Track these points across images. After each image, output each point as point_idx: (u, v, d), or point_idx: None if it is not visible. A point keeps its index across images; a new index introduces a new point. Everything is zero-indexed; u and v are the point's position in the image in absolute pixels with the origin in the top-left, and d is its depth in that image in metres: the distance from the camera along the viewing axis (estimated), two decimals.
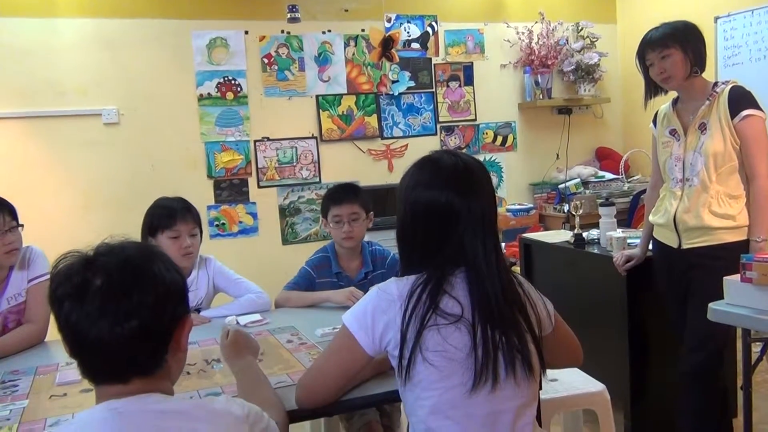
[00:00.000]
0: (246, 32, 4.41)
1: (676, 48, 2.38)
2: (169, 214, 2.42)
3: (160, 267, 1.09)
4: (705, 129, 2.40)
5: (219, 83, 4.35)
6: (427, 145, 4.74)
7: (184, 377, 1.78)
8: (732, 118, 2.35)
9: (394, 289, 1.39)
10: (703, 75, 2.47)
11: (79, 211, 4.07)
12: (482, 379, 1.32)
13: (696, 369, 2.44)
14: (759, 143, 2.35)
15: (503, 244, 4.45)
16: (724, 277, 2.02)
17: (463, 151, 4.95)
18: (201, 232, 2.54)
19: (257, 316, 2.35)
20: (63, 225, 3.95)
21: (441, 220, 1.40)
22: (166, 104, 4.25)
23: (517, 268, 3.93)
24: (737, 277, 1.95)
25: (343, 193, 2.58)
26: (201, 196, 4.22)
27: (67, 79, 4.05)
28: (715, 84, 2.44)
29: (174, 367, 1.16)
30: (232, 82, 4.38)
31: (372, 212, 2.62)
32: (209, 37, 4.32)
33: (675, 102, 2.56)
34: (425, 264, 1.40)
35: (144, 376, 1.09)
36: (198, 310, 2.49)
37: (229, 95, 4.38)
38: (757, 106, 2.36)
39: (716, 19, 4.15)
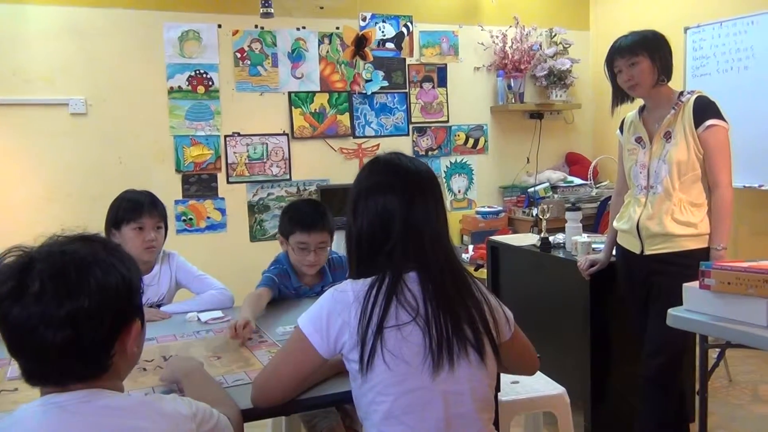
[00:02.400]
0: (219, 26, 4.36)
1: (644, 56, 2.42)
2: (135, 207, 2.40)
3: (99, 274, 1.05)
4: (670, 137, 2.43)
5: (190, 76, 4.30)
6: (399, 146, 4.74)
7: (140, 373, 1.76)
8: (696, 128, 2.38)
9: (350, 291, 1.38)
10: (671, 84, 2.50)
11: (41, 202, 3.98)
12: (441, 360, 1.32)
13: (655, 373, 2.47)
14: (722, 153, 2.39)
15: (471, 246, 4.49)
16: (684, 284, 2.04)
17: (435, 152, 4.97)
18: (166, 227, 2.52)
19: (219, 313, 2.32)
20: (24, 216, 3.87)
21: (394, 223, 1.41)
22: (136, 96, 4.18)
23: (484, 271, 3.95)
24: (696, 283, 1.97)
25: (313, 220, 2.33)
26: (169, 190, 4.16)
27: (34, 67, 3.96)
28: (681, 93, 2.48)
29: (123, 366, 1.13)
30: (204, 75, 4.33)
31: (334, 232, 2.45)
32: (181, 29, 4.27)
33: (641, 110, 2.59)
34: (377, 267, 1.40)
35: (84, 382, 1.06)
36: (159, 306, 2.46)
37: (200, 89, 4.33)
38: (720, 117, 2.40)
39: (686, 29, 4.21)
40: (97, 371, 1.07)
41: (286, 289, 2.47)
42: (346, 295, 1.38)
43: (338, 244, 2.68)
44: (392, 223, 1.41)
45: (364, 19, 4.71)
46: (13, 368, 1.80)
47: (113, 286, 1.07)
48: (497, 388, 1.59)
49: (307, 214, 2.35)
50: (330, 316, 1.37)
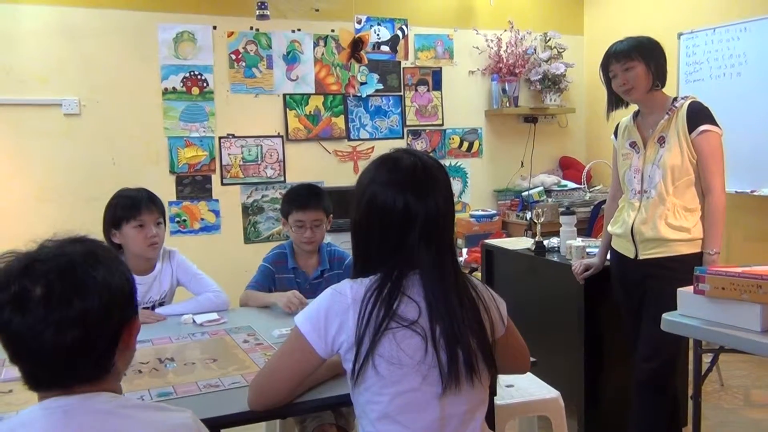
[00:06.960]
0: (214, 27, 4.35)
1: (639, 61, 2.43)
2: (133, 204, 2.39)
3: (103, 272, 1.05)
4: (664, 142, 2.45)
5: (184, 78, 4.29)
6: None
7: (136, 375, 1.75)
8: (690, 133, 2.40)
9: (348, 292, 1.37)
10: (664, 90, 2.52)
11: (33, 203, 3.96)
12: (450, 383, 1.32)
13: (648, 377, 2.48)
14: (715, 158, 2.41)
15: (465, 249, 4.49)
16: (678, 289, 2.05)
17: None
18: (165, 222, 2.51)
19: (214, 315, 2.32)
20: (16, 216, 3.84)
21: (396, 221, 1.38)
22: (129, 97, 4.17)
23: (478, 274, 3.96)
24: (691, 288, 1.98)
25: (308, 199, 2.55)
26: (163, 191, 4.11)
27: (28, 67, 3.94)
28: (675, 99, 2.49)
29: (121, 366, 1.13)
30: (198, 77, 4.32)
31: (332, 214, 2.62)
32: (176, 30, 4.26)
33: (636, 115, 2.60)
34: (379, 265, 1.39)
35: (87, 383, 1.05)
36: (161, 304, 2.48)
37: (195, 90, 4.32)
38: (714, 122, 2.41)
39: (679, 35, 4.24)
40: (102, 372, 1.07)
41: (281, 274, 2.60)
42: (345, 297, 1.36)
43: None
44: (403, 222, 1.37)
45: (359, 22, 4.72)
46: (8, 370, 1.79)
47: (118, 283, 1.07)
48: (493, 391, 1.58)
49: (302, 194, 2.59)
50: (328, 315, 1.36)
